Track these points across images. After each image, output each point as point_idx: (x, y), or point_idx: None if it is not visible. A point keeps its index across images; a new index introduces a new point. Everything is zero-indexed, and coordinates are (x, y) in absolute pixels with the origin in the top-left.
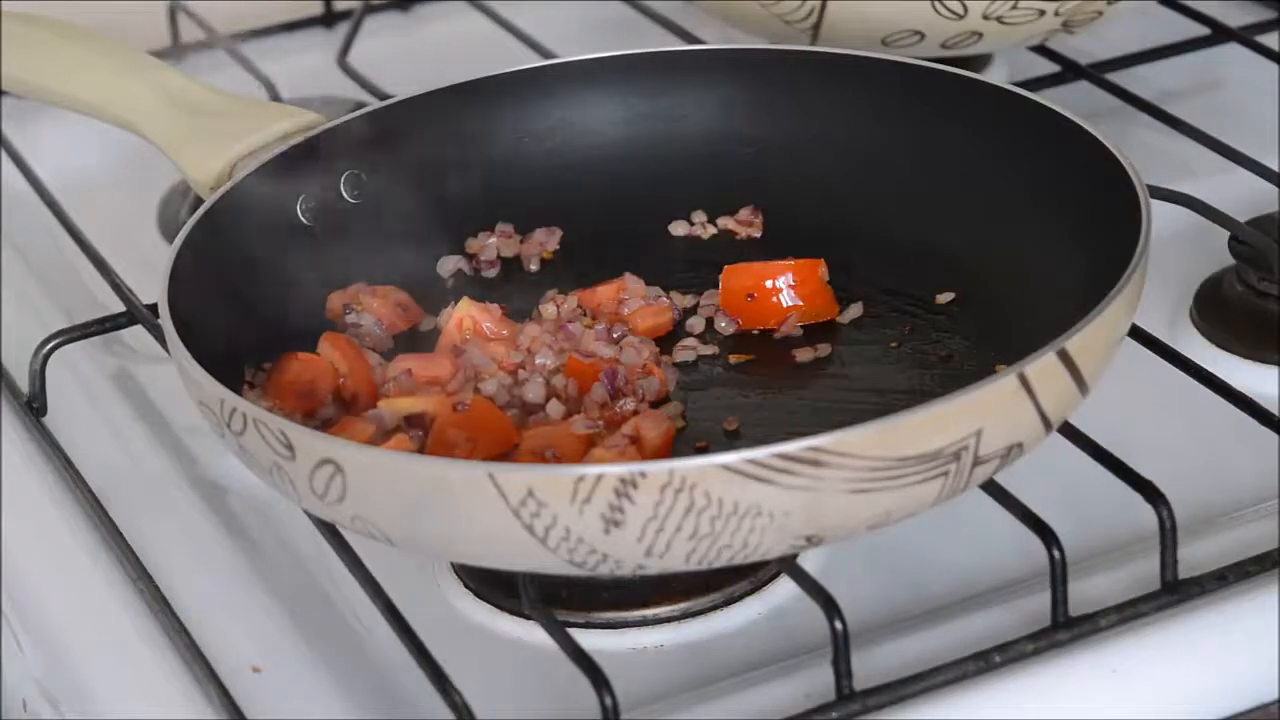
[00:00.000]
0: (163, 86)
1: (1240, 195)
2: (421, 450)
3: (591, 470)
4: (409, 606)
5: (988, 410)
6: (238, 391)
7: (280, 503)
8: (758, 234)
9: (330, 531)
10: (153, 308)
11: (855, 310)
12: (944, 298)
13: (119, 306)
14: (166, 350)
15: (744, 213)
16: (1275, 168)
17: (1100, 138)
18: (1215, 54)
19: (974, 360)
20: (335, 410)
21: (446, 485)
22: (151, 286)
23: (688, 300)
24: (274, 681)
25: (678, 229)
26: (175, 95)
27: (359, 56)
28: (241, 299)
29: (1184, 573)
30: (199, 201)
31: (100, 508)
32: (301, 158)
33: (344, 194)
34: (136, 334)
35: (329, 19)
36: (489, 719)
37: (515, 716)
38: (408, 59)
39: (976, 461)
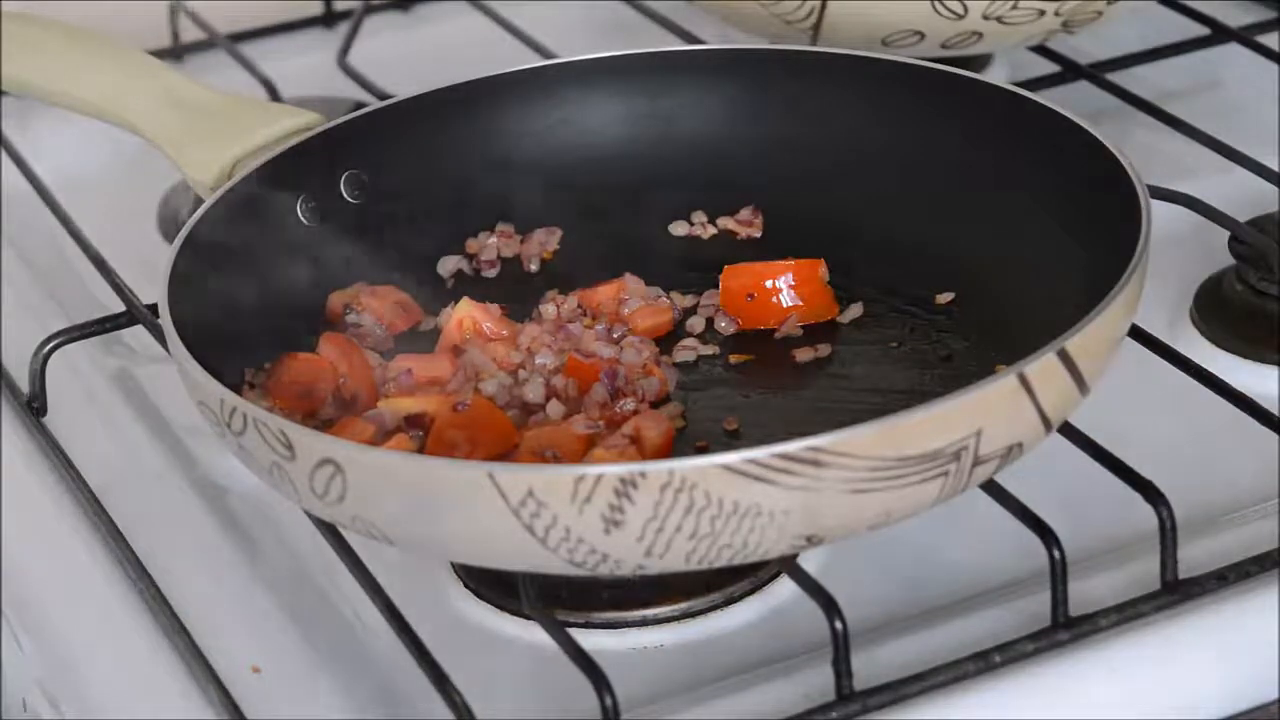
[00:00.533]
0: (163, 87)
1: (1240, 195)
2: (421, 450)
3: (591, 470)
4: (409, 606)
5: (988, 410)
6: (238, 391)
7: (280, 503)
8: (758, 234)
9: (330, 531)
10: (153, 308)
11: (855, 310)
12: (944, 298)
13: (119, 306)
14: (167, 350)
15: (744, 213)
16: (1275, 168)
17: (1100, 138)
18: (1215, 54)
19: (974, 360)
20: (335, 410)
21: (446, 485)
22: (151, 286)
23: (688, 300)
24: (274, 681)
25: (678, 229)
26: (175, 96)
27: (359, 56)
28: (241, 299)
29: (1184, 573)
30: (199, 201)
31: (100, 508)
32: (301, 158)
33: (344, 194)
34: (137, 334)
35: (329, 19)
36: (489, 719)
37: (515, 716)
38: (408, 59)
39: (976, 461)
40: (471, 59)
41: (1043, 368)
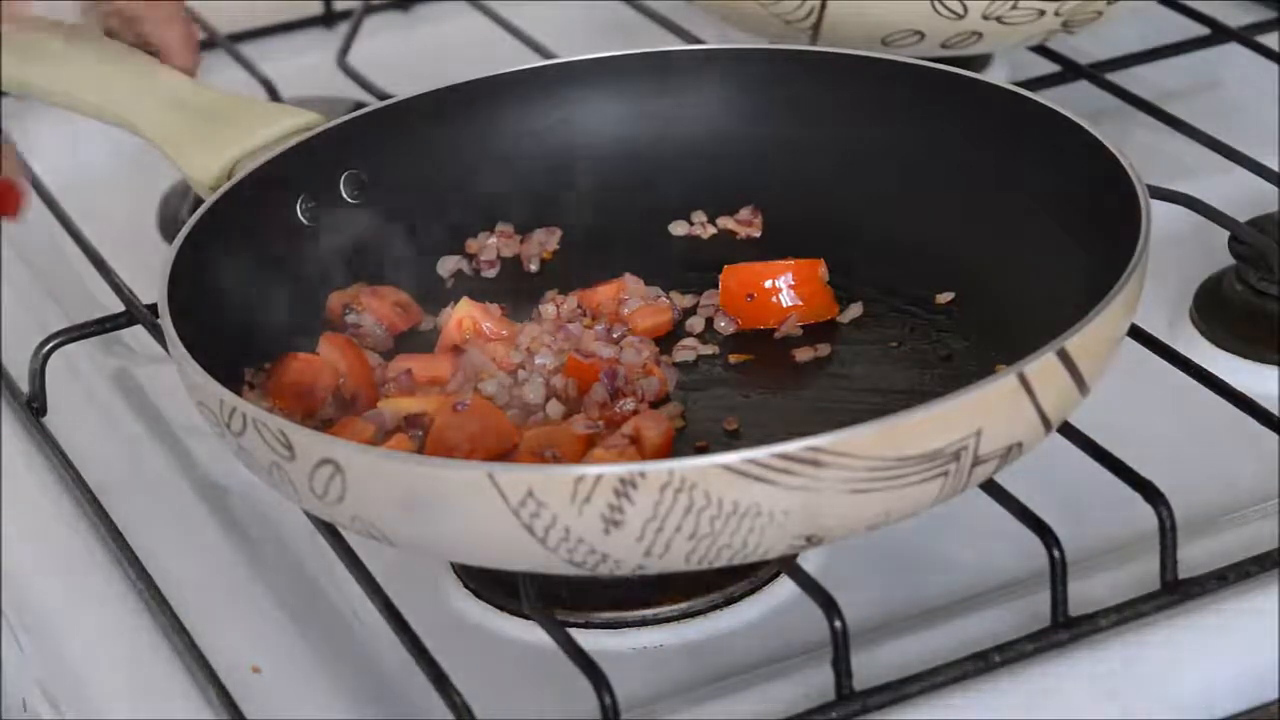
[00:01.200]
0: (163, 87)
1: (1240, 195)
2: (421, 450)
3: (591, 470)
4: (409, 607)
5: (987, 410)
6: (237, 392)
7: (280, 503)
8: (757, 234)
9: (330, 531)
10: (152, 308)
11: (855, 310)
12: (944, 298)
13: (119, 306)
14: (167, 350)
15: (744, 213)
16: (1275, 167)
17: (1100, 137)
18: (1215, 54)
19: (974, 360)
20: (335, 410)
21: (446, 485)
22: (151, 286)
23: (687, 300)
24: (273, 682)
25: (677, 229)
26: (175, 96)
27: (359, 56)
28: (241, 299)
29: (1184, 573)
30: (199, 201)
31: (100, 508)
32: (301, 158)
33: (344, 194)
34: (136, 334)
35: (329, 19)
36: (489, 719)
37: (515, 716)
38: (408, 59)
39: (976, 461)
40: (471, 59)
41: (1042, 368)
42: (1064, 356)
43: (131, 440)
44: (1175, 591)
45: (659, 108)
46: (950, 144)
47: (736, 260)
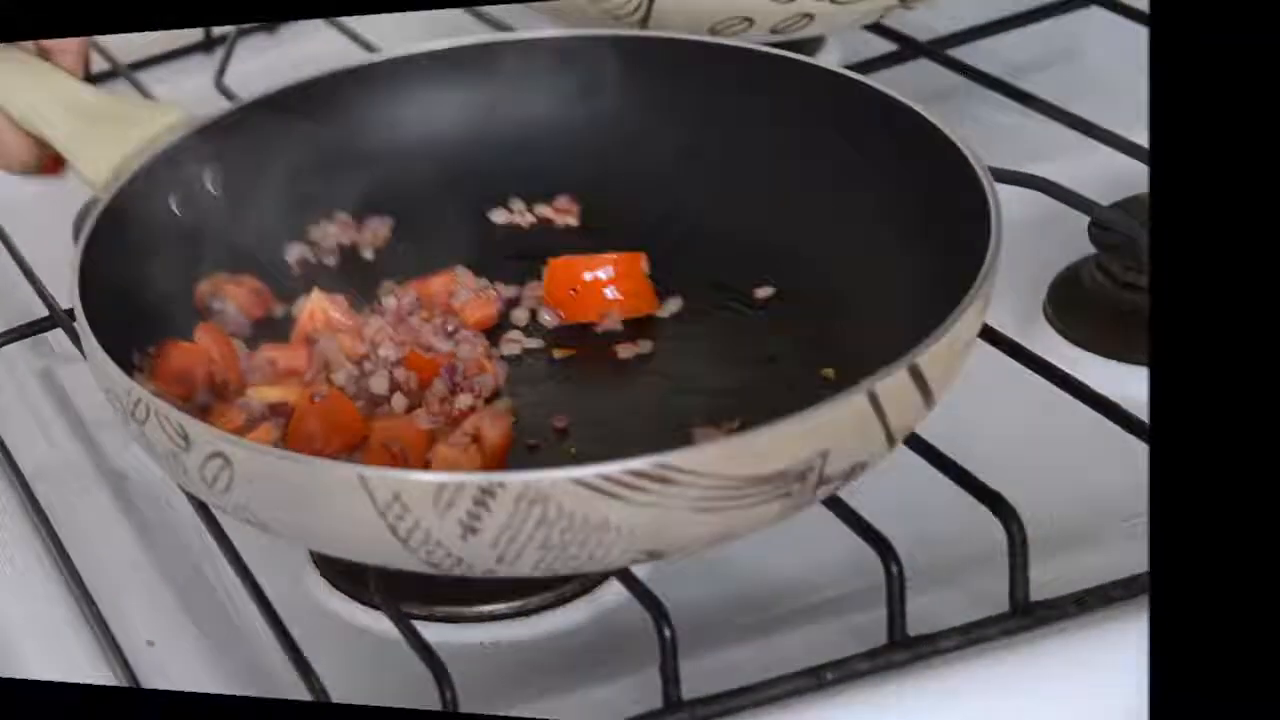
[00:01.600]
0: (59, 90)
1: (1106, 177)
2: (283, 438)
3: (454, 479)
4: (280, 594)
5: (837, 430)
6: (129, 373)
7: (176, 492)
8: (575, 222)
9: (208, 519)
10: (70, 312)
11: (675, 305)
12: (765, 293)
13: (44, 311)
14: (81, 350)
15: (561, 200)
16: (1143, 143)
17: (934, 120)
18: (1073, 20)
19: (795, 360)
20: (206, 396)
21: (320, 483)
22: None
23: (511, 291)
24: (165, 655)
25: (497, 216)
26: (69, 98)
27: (234, 77)
28: (133, 291)
29: (1038, 594)
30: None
31: (30, 493)
32: (170, 156)
33: (208, 187)
34: (59, 336)
35: (208, 45)
36: (345, 703)
37: (370, 702)
38: (278, 75)
39: (821, 481)
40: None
41: (894, 386)
42: (915, 373)
43: (55, 433)
44: (1026, 614)
45: (481, 97)
46: (778, 132)
47: (559, 250)
